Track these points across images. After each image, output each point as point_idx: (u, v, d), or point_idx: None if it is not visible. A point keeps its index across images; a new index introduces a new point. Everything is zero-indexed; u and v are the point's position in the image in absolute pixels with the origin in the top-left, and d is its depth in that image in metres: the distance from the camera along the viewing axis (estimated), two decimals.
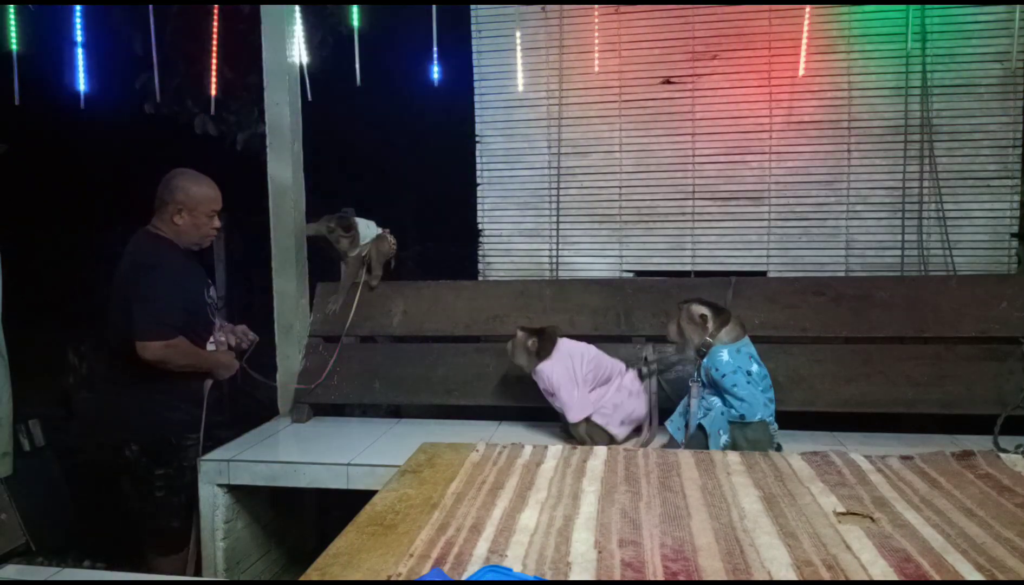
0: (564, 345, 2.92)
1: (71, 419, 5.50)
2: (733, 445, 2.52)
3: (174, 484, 2.76)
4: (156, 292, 2.64)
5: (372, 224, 3.58)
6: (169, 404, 2.77)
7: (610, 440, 2.83)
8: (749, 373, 2.56)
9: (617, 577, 1.47)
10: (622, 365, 2.98)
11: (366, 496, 1.92)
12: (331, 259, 3.62)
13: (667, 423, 2.82)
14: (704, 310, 2.65)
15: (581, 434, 2.85)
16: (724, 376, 2.55)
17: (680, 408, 2.80)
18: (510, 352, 2.96)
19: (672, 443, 2.75)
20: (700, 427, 2.62)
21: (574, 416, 2.82)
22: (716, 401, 2.61)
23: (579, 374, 2.85)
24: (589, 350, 2.97)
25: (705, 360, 2.63)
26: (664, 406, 3.07)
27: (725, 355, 2.57)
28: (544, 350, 2.87)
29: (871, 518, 1.73)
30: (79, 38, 3.45)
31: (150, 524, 2.80)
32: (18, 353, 2.38)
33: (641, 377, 3.05)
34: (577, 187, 4.07)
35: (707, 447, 2.55)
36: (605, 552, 1.57)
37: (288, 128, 3.40)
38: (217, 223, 2.86)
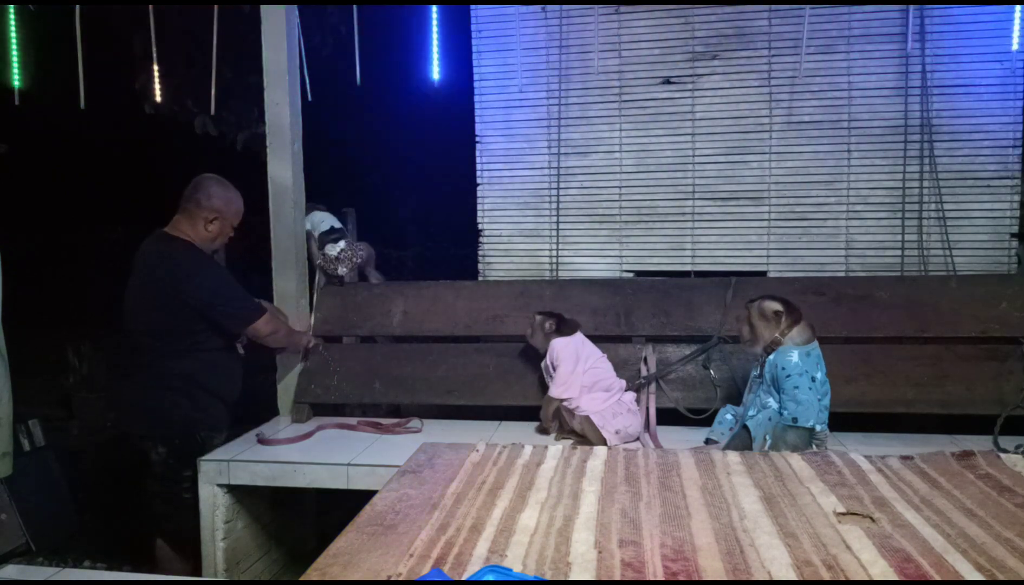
0: (580, 336, 3.02)
1: (71, 419, 5.50)
2: (773, 446, 2.50)
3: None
4: (229, 283, 2.85)
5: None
6: (199, 402, 2.84)
7: (603, 442, 2.84)
8: (814, 378, 2.51)
9: (617, 577, 1.47)
10: (623, 383, 3.01)
11: (366, 496, 1.91)
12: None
13: (716, 424, 2.80)
14: (778, 306, 2.60)
15: (549, 414, 2.95)
16: (789, 376, 2.50)
17: (728, 411, 2.81)
18: (529, 334, 3.07)
19: (711, 441, 2.73)
20: (745, 427, 2.60)
21: (558, 392, 2.91)
22: (772, 402, 2.58)
23: (580, 364, 2.92)
24: (596, 353, 3.00)
25: (772, 357, 2.57)
26: (664, 407, 3.08)
27: (795, 356, 2.52)
28: (563, 331, 3.00)
29: (871, 518, 1.73)
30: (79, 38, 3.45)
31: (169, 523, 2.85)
32: (18, 353, 2.38)
33: (638, 388, 3.06)
34: (577, 187, 4.07)
35: (750, 448, 2.53)
36: (605, 552, 1.57)
37: (288, 128, 3.40)
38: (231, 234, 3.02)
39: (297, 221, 3.45)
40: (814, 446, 2.55)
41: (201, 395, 2.83)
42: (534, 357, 3.13)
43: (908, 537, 1.62)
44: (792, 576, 1.46)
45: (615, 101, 3.99)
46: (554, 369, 2.95)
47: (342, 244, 3.55)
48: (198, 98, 4.99)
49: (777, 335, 2.58)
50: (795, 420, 2.49)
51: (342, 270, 3.52)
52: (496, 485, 1.98)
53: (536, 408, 3.11)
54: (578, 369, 2.91)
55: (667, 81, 3.93)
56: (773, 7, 3.76)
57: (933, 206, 3.69)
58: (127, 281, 2.85)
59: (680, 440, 2.87)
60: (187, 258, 2.79)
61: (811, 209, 3.83)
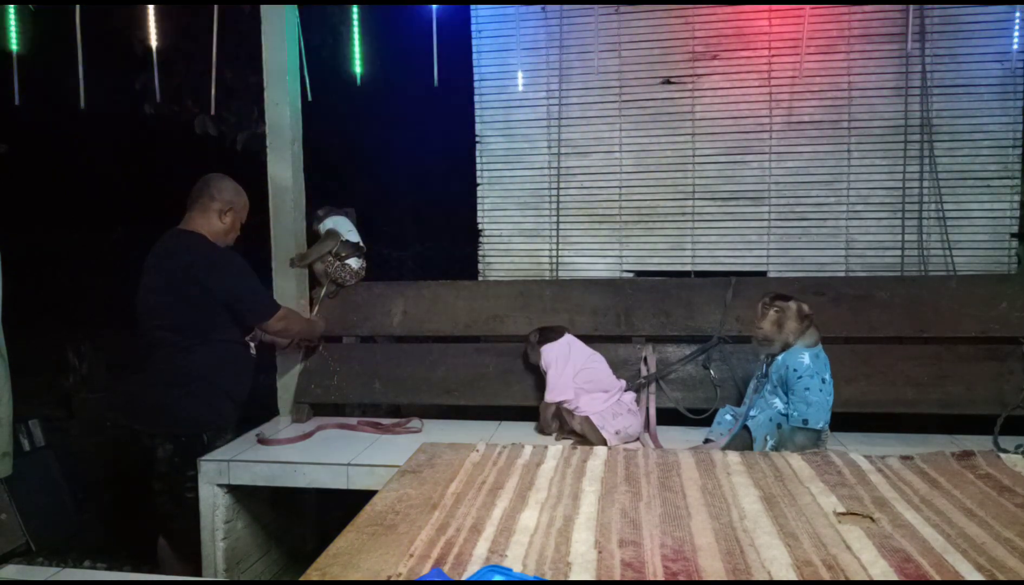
0: (569, 338, 3.03)
1: (71, 419, 5.50)
2: (780, 447, 2.50)
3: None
4: (250, 276, 2.86)
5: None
6: (209, 400, 2.83)
7: (603, 442, 2.84)
8: (824, 380, 2.53)
9: (617, 577, 1.47)
10: (622, 383, 3.01)
11: (366, 496, 1.92)
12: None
13: (715, 424, 2.79)
14: (808, 309, 2.60)
15: (547, 418, 2.97)
16: (800, 378, 2.51)
17: (727, 411, 2.80)
18: (527, 355, 3.12)
19: (710, 441, 2.72)
20: (745, 427, 2.60)
21: (551, 397, 2.92)
22: (778, 403, 2.58)
23: (572, 365, 2.93)
24: (587, 353, 3.01)
25: (781, 358, 2.58)
26: (664, 407, 3.08)
27: (807, 358, 2.53)
28: (546, 337, 3.03)
29: (871, 518, 1.73)
30: (79, 38, 3.45)
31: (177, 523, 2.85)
32: (18, 353, 2.38)
33: (638, 388, 3.06)
34: (577, 187, 4.07)
35: (751, 449, 2.53)
36: (605, 552, 1.57)
37: (288, 128, 3.40)
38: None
39: (297, 221, 3.45)
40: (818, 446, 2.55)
41: (211, 393, 2.82)
42: None
43: (908, 537, 1.62)
44: (792, 576, 1.46)
45: (615, 101, 3.99)
46: (545, 374, 2.97)
47: (363, 261, 3.55)
48: (198, 98, 4.99)
49: (790, 337, 2.59)
50: (805, 422, 2.49)
51: (351, 282, 3.52)
52: (496, 485, 1.99)
53: (536, 408, 3.11)
54: (567, 371, 2.92)
55: (667, 81, 3.93)
56: (773, 7, 3.76)
57: (933, 206, 3.69)
58: (139, 279, 2.83)
59: (680, 440, 2.87)
60: (209, 250, 2.81)
61: (811, 209, 3.83)
